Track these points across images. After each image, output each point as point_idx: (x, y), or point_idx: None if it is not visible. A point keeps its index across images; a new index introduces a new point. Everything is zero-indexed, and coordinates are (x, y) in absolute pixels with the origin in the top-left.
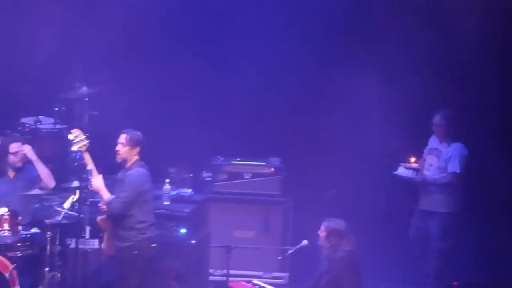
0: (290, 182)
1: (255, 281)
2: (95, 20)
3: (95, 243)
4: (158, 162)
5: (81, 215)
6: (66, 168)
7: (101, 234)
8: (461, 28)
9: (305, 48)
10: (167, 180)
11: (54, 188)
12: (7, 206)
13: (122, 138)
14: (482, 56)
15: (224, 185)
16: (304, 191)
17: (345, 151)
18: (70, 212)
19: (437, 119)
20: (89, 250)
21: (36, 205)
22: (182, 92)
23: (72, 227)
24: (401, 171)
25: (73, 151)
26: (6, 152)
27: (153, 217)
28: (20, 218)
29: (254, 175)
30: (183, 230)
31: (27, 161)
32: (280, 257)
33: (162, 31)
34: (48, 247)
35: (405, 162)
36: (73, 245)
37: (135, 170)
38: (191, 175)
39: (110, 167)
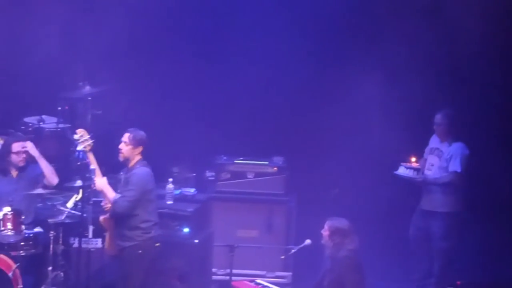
0: (293, 181)
1: (258, 280)
2: (98, 19)
3: (98, 243)
4: (161, 161)
5: (84, 215)
6: (69, 167)
7: (104, 234)
8: (462, 28)
9: (306, 48)
10: (170, 180)
11: (57, 188)
12: (10, 206)
13: (126, 137)
14: (483, 56)
15: (227, 184)
16: (307, 191)
17: (347, 151)
18: (73, 212)
19: (438, 118)
20: (92, 249)
21: (39, 205)
22: (185, 91)
23: (75, 227)
24: (402, 171)
25: (76, 151)
26: (8, 152)
27: (156, 217)
28: (23, 217)
29: (257, 175)
30: (186, 230)
31: (30, 161)
32: (283, 257)
33: (164, 31)
34: (51, 246)
35: (406, 162)
36: (76, 245)
37: (140, 169)
38: (194, 174)
39: (113, 166)
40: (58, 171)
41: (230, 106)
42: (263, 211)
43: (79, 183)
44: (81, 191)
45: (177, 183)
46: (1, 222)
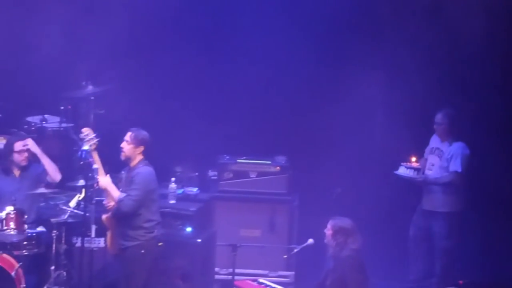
0: (295, 180)
1: (261, 279)
2: (101, 19)
3: (101, 242)
4: (164, 160)
5: (87, 214)
6: (72, 166)
7: (106, 232)
8: (464, 28)
9: (307, 48)
10: (173, 179)
11: (60, 187)
12: (13, 205)
13: (128, 135)
14: (484, 56)
15: (230, 183)
16: (310, 190)
17: (348, 150)
18: (76, 211)
19: (438, 117)
20: (95, 248)
21: (42, 204)
22: (187, 91)
23: (78, 226)
24: (402, 170)
25: (79, 150)
26: (11, 151)
27: (159, 216)
28: (26, 216)
29: (260, 174)
30: (189, 229)
31: (32, 160)
32: (286, 256)
33: (166, 31)
34: (54, 245)
35: (406, 162)
36: (79, 244)
37: (144, 169)
38: (197, 173)
39: (115, 166)
40: (61, 171)
41: (233, 106)
42: (265, 211)
43: (81, 182)
44: (83, 190)
45: (180, 183)
46: (4, 221)
